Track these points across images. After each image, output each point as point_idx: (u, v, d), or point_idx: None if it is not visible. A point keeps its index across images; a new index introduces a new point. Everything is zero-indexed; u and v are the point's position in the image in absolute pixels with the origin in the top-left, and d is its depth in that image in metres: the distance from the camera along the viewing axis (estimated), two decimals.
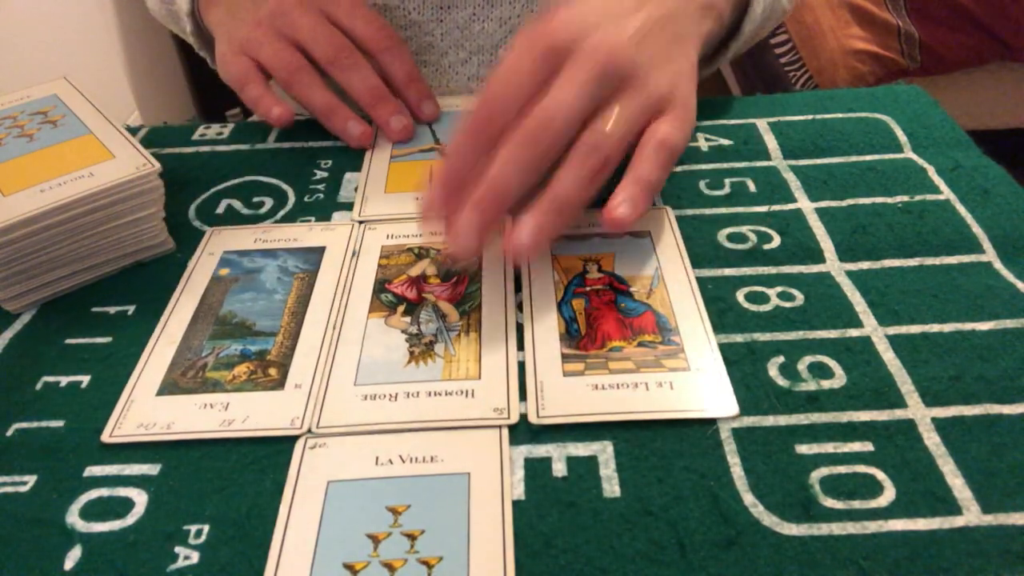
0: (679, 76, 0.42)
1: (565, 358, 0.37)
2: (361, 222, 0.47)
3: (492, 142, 0.37)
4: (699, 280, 0.41)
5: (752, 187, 0.48)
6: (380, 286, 0.42)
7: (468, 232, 0.37)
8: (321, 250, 0.45)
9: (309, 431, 0.34)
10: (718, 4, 0.48)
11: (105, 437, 0.34)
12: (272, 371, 0.37)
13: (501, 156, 0.37)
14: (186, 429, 0.35)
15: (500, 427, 0.34)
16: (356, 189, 0.49)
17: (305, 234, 0.46)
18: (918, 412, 0.34)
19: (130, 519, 0.31)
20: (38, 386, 0.38)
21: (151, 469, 0.33)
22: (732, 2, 0.51)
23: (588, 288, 0.41)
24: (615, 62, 0.38)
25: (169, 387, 0.37)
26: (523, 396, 0.35)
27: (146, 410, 0.36)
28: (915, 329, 0.38)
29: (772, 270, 0.42)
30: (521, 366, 0.37)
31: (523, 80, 0.38)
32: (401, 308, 0.40)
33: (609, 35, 0.39)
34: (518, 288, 0.41)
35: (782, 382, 0.36)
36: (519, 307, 0.40)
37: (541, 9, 0.62)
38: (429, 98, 0.54)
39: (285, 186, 0.50)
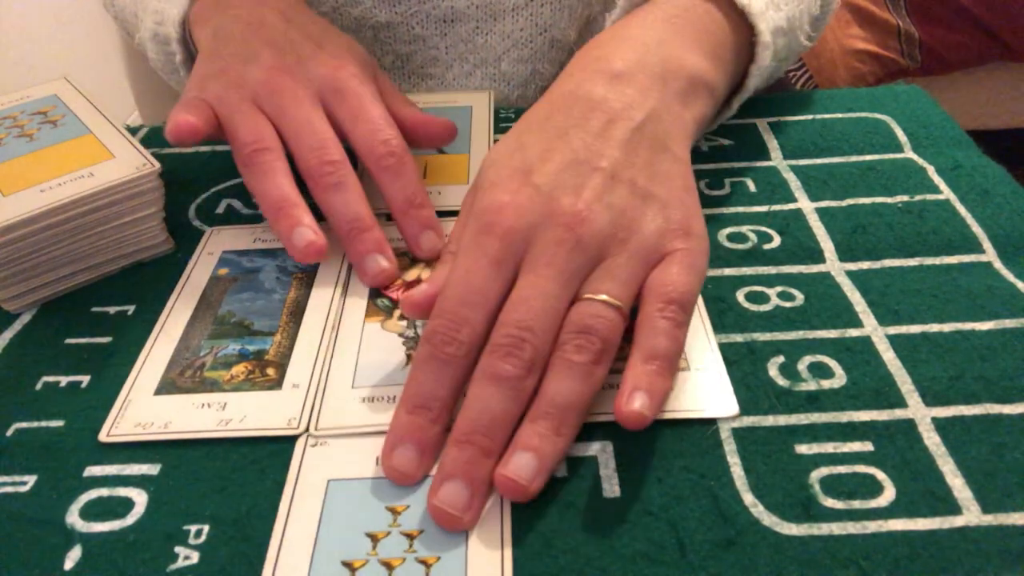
0: (671, 203, 0.35)
1: None
2: None
3: (458, 365, 0.32)
4: None
5: (752, 187, 0.48)
6: (376, 291, 0.42)
7: (459, 498, 0.29)
8: None
9: (307, 431, 0.34)
10: (706, 78, 0.40)
11: (102, 436, 0.34)
12: (270, 371, 0.37)
13: (477, 382, 0.31)
14: (183, 428, 0.35)
15: None
16: None
17: None
18: (918, 412, 0.34)
19: (130, 519, 0.31)
20: (38, 386, 0.38)
21: (151, 469, 0.33)
22: (730, 61, 0.43)
23: None
24: (590, 233, 0.32)
25: (167, 387, 0.37)
26: None
27: (143, 409, 0.36)
28: (915, 329, 0.38)
29: (772, 270, 0.42)
30: None
31: (482, 284, 0.32)
32: (397, 312, 0.40)
33: (572, 202, 0.33)
34: None
35: (782, 382, 0.36)
36: None
37: (548, 26, 0.62)
38: (430, 228, 0.42)
39: None
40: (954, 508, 0.30)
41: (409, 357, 0.38)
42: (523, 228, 0.33)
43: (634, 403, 0.30)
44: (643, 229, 0.34)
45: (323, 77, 0.43)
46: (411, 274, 0.43)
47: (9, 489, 0.33)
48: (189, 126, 0.41)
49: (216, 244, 0.46)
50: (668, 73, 0.38)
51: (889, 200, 0.46)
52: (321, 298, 0.41)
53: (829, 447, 0.33)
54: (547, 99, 0.39)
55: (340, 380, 0.37)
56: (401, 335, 0.39)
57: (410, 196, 0.42)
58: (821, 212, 0.46)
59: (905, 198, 0.46)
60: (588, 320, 0.31)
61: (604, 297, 0.32)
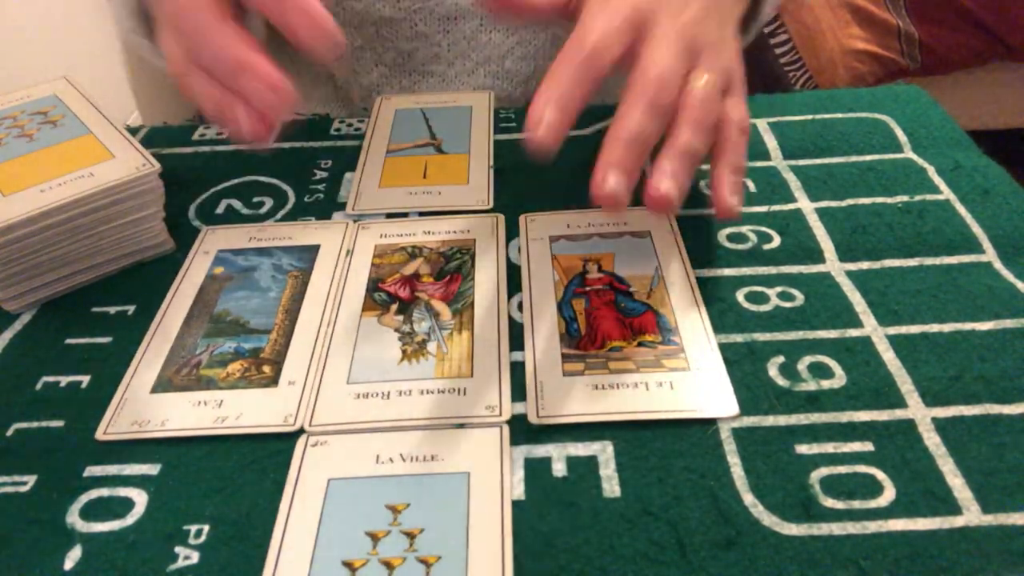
0: (733, 55, 0.44)
1: (565, 358, 0.37)
2: (356, 218, 0.47)
3: (587, 83, 0.39)
4: (699, 280, 0.41)
5: (752, 187, 0.48)
6: (373, 285, 0.42)
7: (619, 187, 0.37)
8: (315, 248, 0.45)
9: (302, 429, 0.34)
10: None
11: (99, 435, 0.34)
12: (266, 368, 0.37)
13: (637, 111, 0.39)
14: (180, 426, 0.35)
15: (498, 425, 0.34)
16: (351, 182, 0.50)
17: (299, 232, 0.46)
18: (918, 412, 0.34)
19: (130, 519, 0.31)
20: (38, 386, 0.38)
21: (151, 469, 0.33)
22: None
23: (588, 288, 0.41)
24: (695, 35, 0.41)
25: (163, 385, 0.37)
26: (523, 396, 0.35)
27: (140, 408, 0.36)
28: (915, 329, 0.38)
29: (772, 270, 0.42)
30: (520, 366, 0.37)
31: (614, 37, 0.40)
32: (394, 307, 0.40)
33: (683, 11, 0.42)
34: (512, 288, 0.41)
35: (782, 382, 0.36)
36: (519, 307, 0.40)
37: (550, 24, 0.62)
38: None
39: (285, 186, 0.50)
40: (954, 508, 0.30)
41: (404, 353, 0.38)
42: (647, 10, 0.41)
43: (732, 198, 0.40)
44: (726, 58, 0.43)
45: None
46: (409, 268, 0.43)
47: (9, 489, 0.33)
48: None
49: (211, 243, 0.46)
50: None
51: (889, 200, 0.46)
52: (317, 295, 0.41)
53: (829, 447, 0.33)
54: None
55: (335, 376, 0.37)
56: (397, 330, 0.39)
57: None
58: (821, 212, 0.46)
59: (905, 198, 0.46)
60: (708, 95, 0.40)
61: (709, 84, 0.40)
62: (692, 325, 0.38)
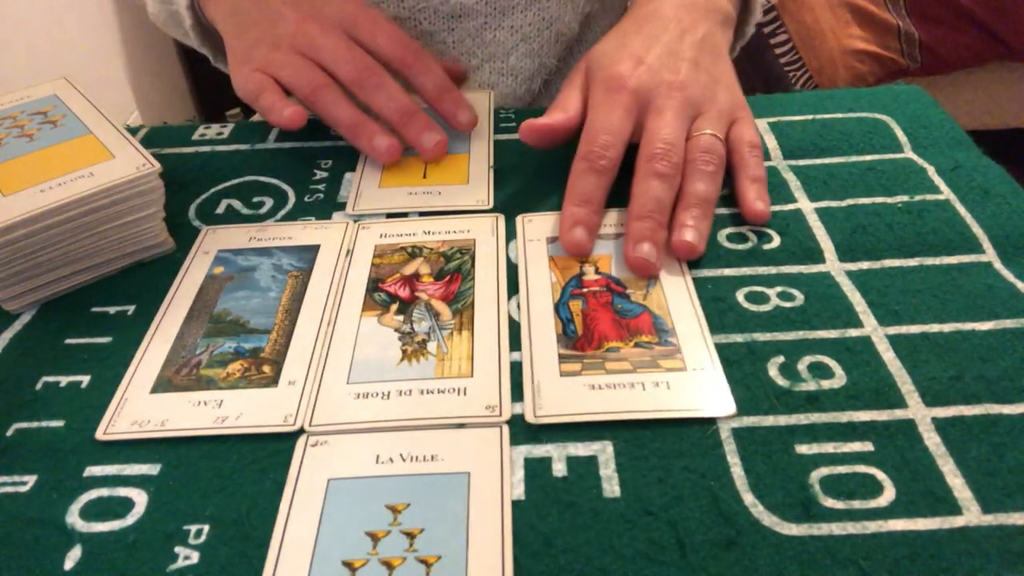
0: (731, 87, 0.49)
1: (562, 359, 0.37)
2: (356, 218, 0.47)
3: (607, 175, 0.44)
4: (699, 280, 0.41)
5: None
6: (373, 285, 0.42)
7: (649, 254, 0.41)
8: (315, 248, 0.45)
9: (302, 429, 0.34)
10: (731, 14, 0.55)
11: (99, 435, 0.34)
12: (266, 368, 0.37)
13: (643, 178, 0.43)
14: (180, 426, 0.35)
15: (498, 425, 0.34)
16: (351, 183, 0.50)
17: (299, 232, 0.46)
18: (918, 412, 0.34)
19: (130, 519, 0.31)
20: (38, 386, 0.38)
21: (151, 469, 0.33)
22: (737, 5, 0.57)
23: (585, 289, 0.41)
24: (690, 94, 0.46)
25: (163, 385, 0.37)
26: (520, 396, 0.35)
27: (140, 408, 0.36)
28: (915, 329, 0.38)
29: (772, 270, 0.42)
30: (518, 366, 0.37)
31: (618, 124, 0.45)
32: (394, 307, 0.40)
33: (674, 76, 0.47)
34: (512, 288, 0.41)
35: (782, 382, 0.36)
36: (517, 308, 0.40)
37: (554, 20, 0.62)
38: (464, 107, 0.51)
39: (285, 186, 0.50)
40: (954, 508, 0.30)
41: (404, 353, 0.38)
42: (643, 90, 0.46)
43: (758, 203, 0.45)
44: (722, 98, 0.48)
45: (339, 14, 0.52)
46: (409, 268, 0.43)
47: (9, 489, 0.33)
48: (298, 114, 0.49)
49: (211, 243, 0.46)
50: (711, 10, 0.53)
51: (889, 200, 0.46)
52: (317, 295, 0.41)
53: (829, 447, 0.33)
54: (632, 17, 0.52)
55: (335, 376, 0.37)
56: (397, 330, 0.39)
57: (437, 83, 0.51)
58: (821, 212, 0.46)
59: (905, 198, 0.46)
60: (708, 144, 0.45)
61: (712, 132, 0.46)
62: (688, 326, 0.38)
